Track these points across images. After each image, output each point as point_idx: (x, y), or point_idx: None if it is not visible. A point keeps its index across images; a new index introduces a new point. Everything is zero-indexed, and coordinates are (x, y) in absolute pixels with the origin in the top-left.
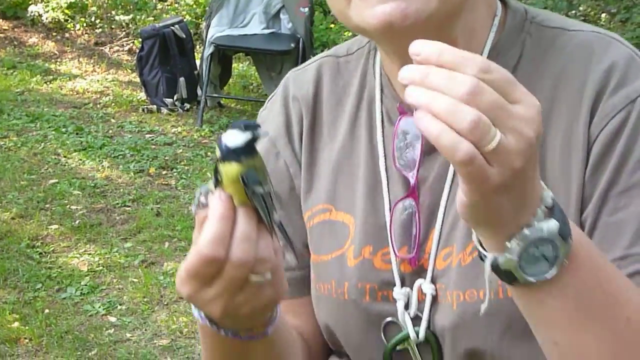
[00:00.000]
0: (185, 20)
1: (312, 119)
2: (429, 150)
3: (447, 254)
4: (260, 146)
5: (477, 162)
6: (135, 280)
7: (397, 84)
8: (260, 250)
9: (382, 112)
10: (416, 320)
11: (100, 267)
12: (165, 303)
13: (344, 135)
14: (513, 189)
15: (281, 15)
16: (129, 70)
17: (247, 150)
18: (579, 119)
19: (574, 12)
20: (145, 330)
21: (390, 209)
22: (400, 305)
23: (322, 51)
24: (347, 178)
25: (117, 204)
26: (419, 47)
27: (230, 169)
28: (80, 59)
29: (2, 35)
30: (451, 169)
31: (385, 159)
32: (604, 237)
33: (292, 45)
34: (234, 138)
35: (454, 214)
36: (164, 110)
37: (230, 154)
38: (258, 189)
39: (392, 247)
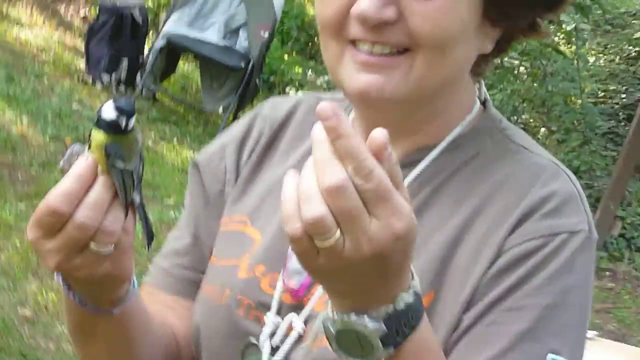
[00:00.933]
0: (145, 6)
1: (269, 141)
2: None
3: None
4: (212, 147)
5: (304, 245)
6: (18, 243)
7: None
8: (107, 222)
9: None
10: (276, 350)
11: None
12: (40, 275)
13: (290, 165)
14: (341, 280)
15: (240, 32)
16: (77, 35)
17: (117, 127)
18: (500, 229)
19: (515, 117)
20: (12, 296)
21: None
22: (266, 330)
23: (268, 78)
24: (274, 202)
25: (24, 163)
26: (329, 111)
27: (98, 136)
28: (33, 9)
29: None
30: None
31: None
32: (473, 342)
33: (242, 64)
34: (112, 111)
35: None
36: (99, 86)
37: (103, 124)
38: (118, 163)
39: (283, 274)
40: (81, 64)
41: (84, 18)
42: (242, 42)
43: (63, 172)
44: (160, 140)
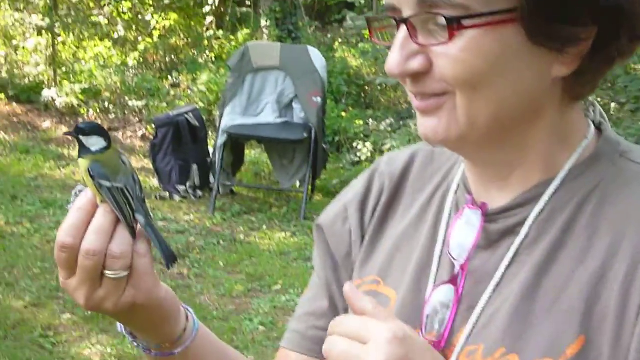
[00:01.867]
0: (198, 108)
1: (391, 197)
2: (486, 244)
3: (471, 352)
4: (334, 208)
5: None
6: None
7: (471, 181)
8: (114, 246)
9: (452, 201)
10: None
11: (113, 358)
12: None
13: (413, 216)
14: None
15: (294, 105)
16: (142, 156)
17: (87, 149)
18: None
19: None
20: None
21: (431, 291)
22: None
23: (333, 139)
24: (403, 257)
25: None
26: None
27: (81, 163)
28: None
29: (15, 119)
30: (501, 268)
31: (443, 244)
32: None
33: (305, 134)
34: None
35: (492, 313)
36: (177, 198)
37: (80, 152)
38: (104, 182)
39: (422, 328)
40: (154, 182)
41: (143, 137)
42: (298, 114)
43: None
44: (250, 232)
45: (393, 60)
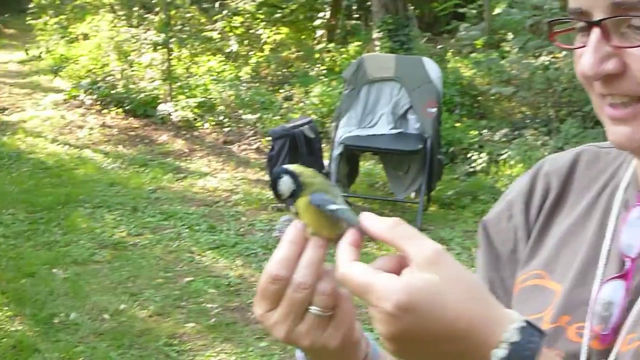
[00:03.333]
0: (313, 120)
1: (558, 195)
2: None
3: (632, 339)
4: (498, 207)
5: None
6: None
7: None
8: (325, 282)
9: (621, 199)
10: None
11: None
12: None
13: (579, 214)
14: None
15: (409, 116)
16: (257, 169)
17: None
18: None
19: None
20: None
21: (599, 286)
22: None
23: (447, 150)
24: (569, 253)
25: (251, 302)
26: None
27: (300, 202)
28: (210, 157)
29: (133, 133)
30: None
31: (611, 241)
32: None
33: (420, 145)
34: (289, 182)
35: None
36: (293, 209)
37: (294, 193)
38: (331, 205)
39: (591, 321)
40: (270, 194)
41: (257, 149)
42: (413, 124)
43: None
44: (367, 242)
45: (587, 62)
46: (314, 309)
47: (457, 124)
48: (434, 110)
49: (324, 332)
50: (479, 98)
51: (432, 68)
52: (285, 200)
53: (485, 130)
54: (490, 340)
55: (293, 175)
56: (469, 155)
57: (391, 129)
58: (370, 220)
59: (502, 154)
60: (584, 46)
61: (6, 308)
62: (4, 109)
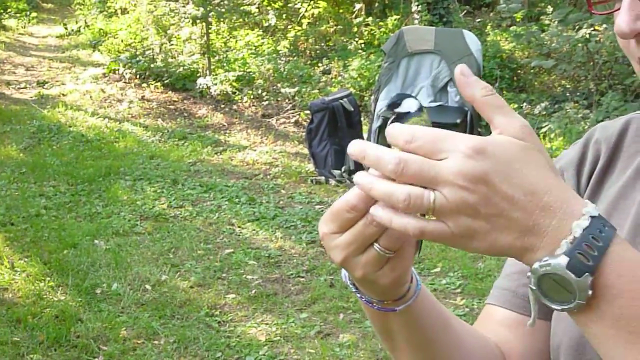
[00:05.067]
0: (352, 93)
1: (607, 162)
2: None
3: None
4: None
5: (430, 229)
6: (312, 351)
7: None
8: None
9: None
10: None
11: (278, 337)
12: None
13: (628, 177)
14: (488, 233)
15: (449, 88)
16: (296, 142)
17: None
18: None
19: None
20: None
21: None
22: None
23: (486, 122)
24: (620, 214)
25: (291, 274)
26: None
27: (415, 120)
28: (249, 131)
29: (172, 106)
30: None
31: None
32: None
33: (460, 117)
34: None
35: None
36: (332, 182)
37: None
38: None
39: None
40: (309, 166)
41: (296, 122)
42: (452, 97)
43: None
44: None
45: (622, 20)
46: (377, 247)
47: None
48: None
49: (379, 270)
50: (519, 71)
51: (472, 41)
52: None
53: (525, 104)
54: (569, 210)
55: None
56: None
57: (431, 101)
58: (465, 77)
59: (542, 127)
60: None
61: (49, 278)
62: (44, 83)
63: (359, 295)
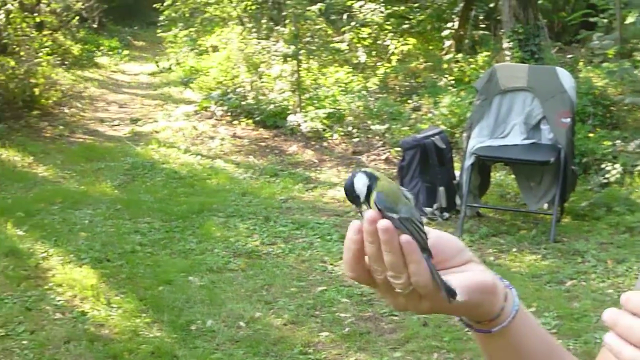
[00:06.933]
0: (443, 130)
1: None
2: None
3: None
4: None
5: None
6: None
7: None
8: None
9: None
10: None
11: None
12: None
13: None
14: None
15: (542, 126)
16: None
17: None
18: None
19: None
20: None
21: None
22: None
23: (580, 160)
24: None
25: (384, 312)
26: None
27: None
28: (339, 168)
29: (263, 143)
30: None
31: None
32: None
33: (553, 156)
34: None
35: None
36: (424, 219)
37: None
38: (388, 212)
39: None
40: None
41: (386, 159)
42: (545, 135)
43: None
44: (499, 254)
45: None
46: (397, 289)
47: (590, 134)
48: (568, 120)
49: (420, 303)
50: (612, 108)
51: (565, 78)
52: (358, 200)
53: (619, 141)
54: None
55: (367, 172)
56: (602, 166)
57: (524, 139)
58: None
59: (636, 165)
60: None
61: (145, 315)
62: (137, 120)
63: (457, 318)
